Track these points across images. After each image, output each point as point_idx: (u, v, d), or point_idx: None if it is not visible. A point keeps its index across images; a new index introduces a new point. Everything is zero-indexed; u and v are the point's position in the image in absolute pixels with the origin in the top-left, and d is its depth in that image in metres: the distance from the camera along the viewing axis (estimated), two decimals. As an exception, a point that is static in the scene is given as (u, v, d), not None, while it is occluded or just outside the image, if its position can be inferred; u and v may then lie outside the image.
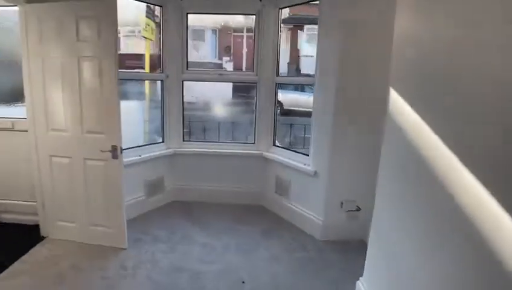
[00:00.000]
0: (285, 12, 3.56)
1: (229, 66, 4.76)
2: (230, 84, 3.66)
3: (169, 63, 3.59)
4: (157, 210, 3.61)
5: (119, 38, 2.82)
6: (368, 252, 2.25)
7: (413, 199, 1.65)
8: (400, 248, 1.75)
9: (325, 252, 2.94)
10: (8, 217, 3.17)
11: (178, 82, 3.67)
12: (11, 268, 2.48)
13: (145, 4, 3.65)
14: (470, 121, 1.19)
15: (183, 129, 3.83)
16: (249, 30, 4.22)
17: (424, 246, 1.50)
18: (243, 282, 2.52)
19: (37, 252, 2.71)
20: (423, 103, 1.57)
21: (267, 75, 3.59)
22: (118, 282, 2.42)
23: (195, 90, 4.31)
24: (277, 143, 3.81)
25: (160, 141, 3.76)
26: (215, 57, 5.01)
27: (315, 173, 3.16)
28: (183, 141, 3.84)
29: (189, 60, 3.65)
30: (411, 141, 1.63)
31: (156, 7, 3.57)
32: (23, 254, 2.63)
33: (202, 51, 4.69)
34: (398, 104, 1.82)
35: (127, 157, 3.28)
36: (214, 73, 3.78)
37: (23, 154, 2.89)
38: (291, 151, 3.55)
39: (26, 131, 2.79)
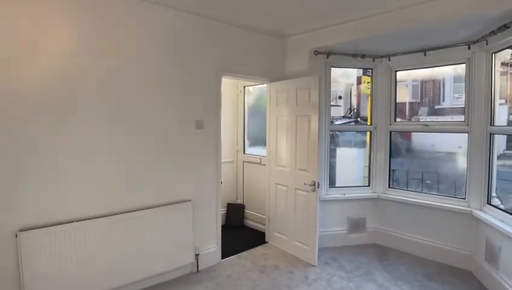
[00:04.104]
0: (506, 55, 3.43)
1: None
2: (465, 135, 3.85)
3: (378, 116, 4.36)
4: (354, 247, 4.30)
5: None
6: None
7: None
8: None
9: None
10: (250, 223, 5.04)
11: (386, 133, 4.34)
12: (243, 253, 4.11)
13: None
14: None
15: (390, 176, 4.37)
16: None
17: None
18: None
19: (258, 250, 4.24)
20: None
21: (479, 124, 3.57)
22: (296, 285, 3.39)
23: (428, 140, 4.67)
24: (495, 201, 3.55)
25: (367, 184, 4.49)
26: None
27: (526, 241, 2.84)
28: (389, 187, 4.37)
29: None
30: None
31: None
32: (251, 248, 4.25)
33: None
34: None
35: (334, 194, 4.30)
36: (419, 124, 4.13)
37: (264, 181, 4.56)
38: (505, 213, 3.26)
39: (265, 165, 4.46)
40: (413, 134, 4.69)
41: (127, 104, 3.07)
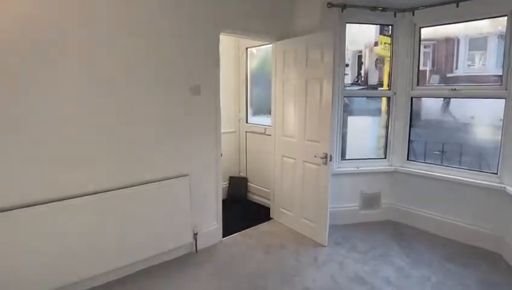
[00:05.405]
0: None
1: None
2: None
3: (398, 80, 3.85)
4: (368, 224, 3.93)
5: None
6: None
7: None
8: None
9: None
10: (254, 198, 4.72)
11: (406, 99, 3.84)
12: (246, 231, 3.78)
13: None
14: None
15: (409, 148, 3.92)
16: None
17: None
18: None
19: (263, 226, 3.91)
20: None
21: (520, 89, 3.07)
22: (305, 267, 3.04)
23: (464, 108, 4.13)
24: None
25: (383, 156, 4.05)
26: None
27: None
28: (407, 159, 3.93)
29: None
30: None
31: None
32: (254, 225, 3.91)
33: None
34: None
35: (346, 167, 3.87)
36: (446, 88, 3.61)
37: (269, 153, 4.13)
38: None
39: (270, 135, 4.02)
40: (430, 104, 4.16)
41: (112, 66, 2.60)
